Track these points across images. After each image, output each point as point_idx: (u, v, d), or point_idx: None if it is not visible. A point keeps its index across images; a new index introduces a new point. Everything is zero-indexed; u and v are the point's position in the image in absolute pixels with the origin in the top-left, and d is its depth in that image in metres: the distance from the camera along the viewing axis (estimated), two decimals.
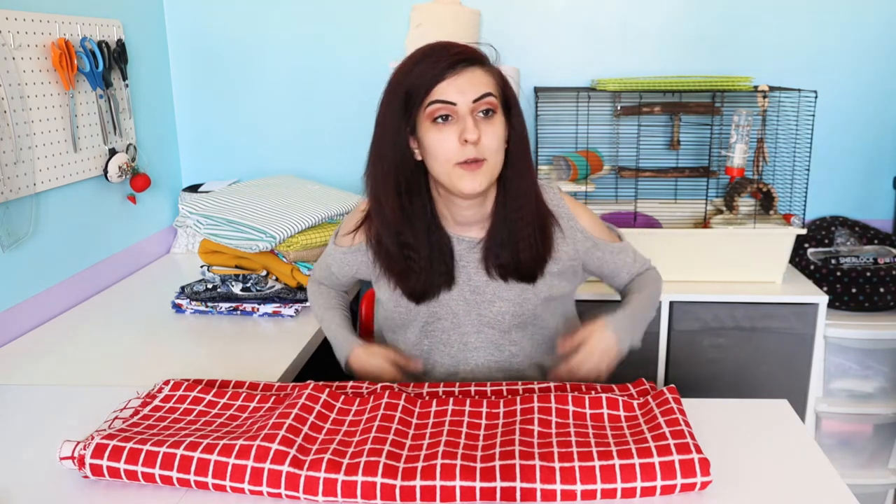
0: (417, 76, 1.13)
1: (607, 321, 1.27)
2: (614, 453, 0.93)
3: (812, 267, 2.07)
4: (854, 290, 2.00)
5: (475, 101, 1.12)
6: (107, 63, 1.88)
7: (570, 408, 1.06)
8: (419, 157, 1.18)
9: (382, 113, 1.18)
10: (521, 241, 1.23)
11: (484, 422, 1.05)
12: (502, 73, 1.20)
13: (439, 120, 1.13)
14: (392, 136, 1.16)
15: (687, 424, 0.99)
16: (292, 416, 1.02)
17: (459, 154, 1.13)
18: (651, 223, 1.98)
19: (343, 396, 1.12)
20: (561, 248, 1.29)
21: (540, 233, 1.25)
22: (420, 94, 1.13)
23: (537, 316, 1.29)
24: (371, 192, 1.23)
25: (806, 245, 2.17)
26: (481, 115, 1.14)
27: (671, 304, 1.89)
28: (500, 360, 1.30)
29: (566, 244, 1.30)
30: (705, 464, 0.92)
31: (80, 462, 0.98)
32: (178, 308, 1.74)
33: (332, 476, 0.92)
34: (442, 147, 1.13)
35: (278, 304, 1.70)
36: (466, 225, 1.27)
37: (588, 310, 1.90)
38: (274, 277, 1.76)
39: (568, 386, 1.16)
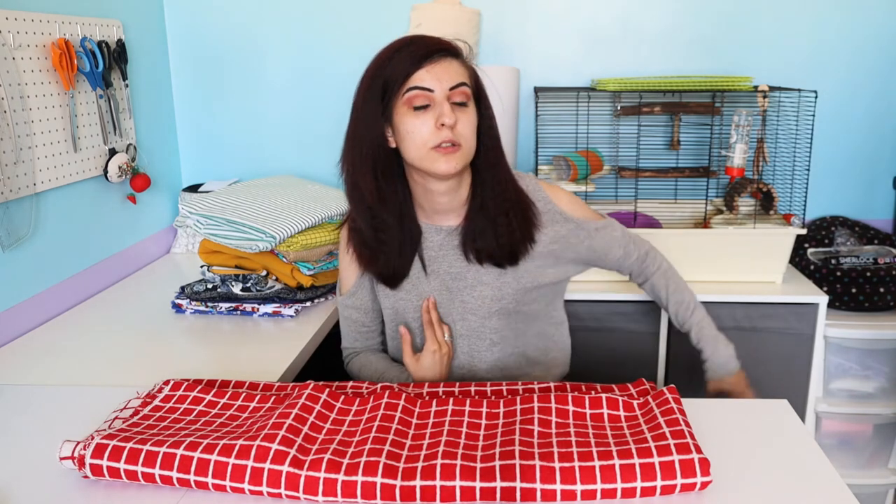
0: (396, 64, 1.16)
1: (720, 365, 1.48)
2: (614, 453, 0.93)
3: (812, 267, 2.07)
4: (854, 290, 2.00)
5: (451, 89, 1.17)
6: (107, 63, 1.88)
7: (570, 408, 1.06)
8: (393, 145, 1.22)
9: (360, 99, 1.21)
10: (500, 227, 1.26)
11: (484, 422, 1.05)
12: (474, 67, 1.24)
13: (417, 107, 1.16)
14: (369, 122, 1.20)
15: (687, 424, 0.99)
16: (292, 416, 1.02)
17: (436, 138, 1.16)
18: (651, 223, 1.98)
19: (343, 396, 1.12)
20: (539, 231, 1.30)
21: (518, 218, 1.27)
22: (398, 81, 1.16)
23: (518, 303, 1.31)
24: (348, 177, 1.26)
25: (806, 245, 2.17)
26: (456, 103, 1.18)
27: None
28: (481, 349, 1.32)
29: (545, 227, 1.31)
30: (705, 464, 0.92)
31: (80, 462, 0.98)
32: (178, 308, 1.74)
33: (332, 476, 0.92)
34: (419, 131, 1.17)
35: (278, 304, 1.70)
36: (443, 213, 1.29)
37: (587, 310, 1.90)
38: (274, 277, 1.76)
39: (568, 386, 1.16)
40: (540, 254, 1.31)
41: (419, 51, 1.16)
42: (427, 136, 1.17)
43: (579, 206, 1.37)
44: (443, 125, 1.16)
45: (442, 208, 1.28)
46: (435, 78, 1.16)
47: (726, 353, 1.47)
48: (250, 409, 1.11)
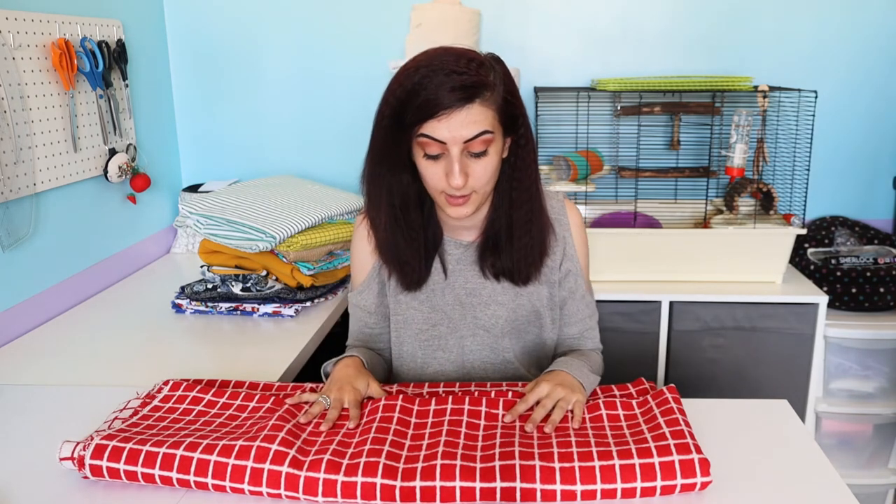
0: (414, 108, 1.07)
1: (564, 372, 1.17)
2: (614, 453, 0.93)
3: (812, 267, 2.07)
4: (854, 290, 2.00)
5: (467, 141, 1.08)
6: (107, 63, 1.88)
7: (570, 408, 1.06)
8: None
9: (375, 131, 1.14)
10: (517, 248, 1.22)
11: (483, 422, 1.05)
12: (507, 85, 1.12)
13: (429, 153, 1.11)
14: (383, 154, 1.14)
15: (687, 424, 0.99)
16: (293, 422, 1.02)
17: (446, 187, 1.12)
18: (651, 223, 1.98)
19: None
20: (551, 257, 1.28)
21: (537, 239, 1.23)
22: (412, 123, 1.08)
23: (531, 323, 1.29)
24: (366, 201, 1.22)
25: (806, 245, 2.17)
26: (473, 153, 1.10)
27: (671, 304, 1.89)
28: (495, 363, 1.29)
29: (556, 250, 1.29)
30: (705, 464, 0.92)
31: (80, 463, 0.98)
32: (178, 308, 1.74)
33: (332, 477, 0.92)
34: (429, 176, 1.13)
35: (278, 304, 1.70)
36: (463, 228, 1.27)
37: None
38: (274, 277, 1.76)
39: None
40: (554, 280, 1.29)
41: (435, 96, 1.05)
42: (437, 182, 1.12)
43: (587, 261, 1.34)
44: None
45: (461, 225, 1.26)
46: (448, 129, 1.07)
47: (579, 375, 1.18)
48: (250, 408, 1.11)
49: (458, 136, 1.07)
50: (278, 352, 1.51)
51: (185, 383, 1.17)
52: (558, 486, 0.90)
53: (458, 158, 1.09)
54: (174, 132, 2.36)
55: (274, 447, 0.94)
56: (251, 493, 0.94)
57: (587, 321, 1.33)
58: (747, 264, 1.94)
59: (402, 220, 1.20)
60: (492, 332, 1.28)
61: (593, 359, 1.31)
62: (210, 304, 1.72)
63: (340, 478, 0.92)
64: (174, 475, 0.95)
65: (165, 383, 1.17)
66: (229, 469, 0.94)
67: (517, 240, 1.22)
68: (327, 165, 2.35)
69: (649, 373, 1.93)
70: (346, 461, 0.94)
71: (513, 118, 1.14)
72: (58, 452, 0.99)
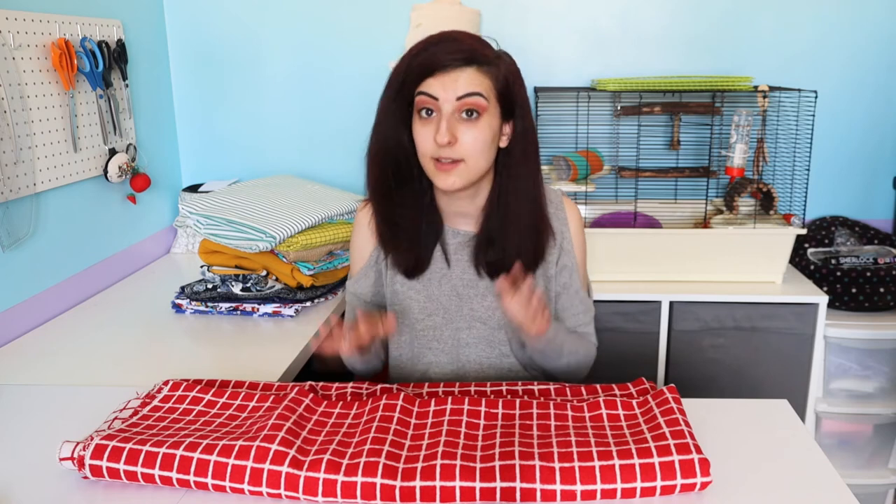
0: (415, 66, 1.13)
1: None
2: (614, 453, 0.93)
3: (812, 267, 2.07)
4: (854, 290, 2.00)
5: (459, 98, 1.12)
6: (107, 63, 1.88)
7: (570, 408, 1.06)
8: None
9: (382, 96, 1.19)
10: (512, 243, 1.23)
11: (483, 422, 1.05)
12: (511, 72, 1.17)
13: (423, 113, 1.14)
14: (386, 121, 1.18)
15: (687, 424, 0.99)
16: (293, 418, 1.02)
17: (434, 151, 1.14)
18: (651, 223, 1.98)
19: (341, 401, 1.12)
20: (548, 255, 1.28)
21: (534, 236, 1.23)
22: (411, 83, 1.14)
23: None
24: (367, 173, 1.24)
25: (806, 245, 2.17)
26: (465, 115, 1.13)
27: (671, 304, 1.89)
28: (491, 357, 1.30)
29: (554, 251, 1.29)
30: (705, 464, 0.92)
31: (80, 463, 0.98)
32: (178, 308, 1.74)
33: (332, 477, 0.92)
34: (421, 140, 1.15)
35: (278, 304, 1.70)
36: (461, 216, 1.27)
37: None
38: (274, 277, 1.76)
39: (568, 391, 1.16)
40: (550, 275, 1.29)
41: (434, 56, 1.12)
42: (427, 146, 1.14)
43: (584, 258, 1.34)
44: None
45: (459, 211, 1.26)
46: (442, 86, 1.11)
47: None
48: (249, 408, 1.11)
49: (451, 93, 1.12)
50: (278, 352, 1.51)
51: (184, 383, 1.17)
52: (558, 486, 0.90)
53: (448, 117, 1.12)
54: (174, 132, 2.36)
55: (274, 447, 0.94)
56: (251, 493, 0.94)
57: (581, 317, 1.34)
58: (747, 264, 1.94)
59: (394, 183, 1.21)
60: (488, 325, 1.28)
61: (581, 341, 1.32)
62: (210, 304, 1.72)
63: (340, 478, 0.92)
64: (174, 475, 0.95)
65: (165, 383, 1.17)
66: (229, 469, 0.94)
67: (513, 234, 1.22)
68: (327, 165, 2.35)
69: (649, 373, 1.93)
70: (345, 461, 0.94)
71: (510, 101, 1.17)
72: (58, 452, 0.99)
